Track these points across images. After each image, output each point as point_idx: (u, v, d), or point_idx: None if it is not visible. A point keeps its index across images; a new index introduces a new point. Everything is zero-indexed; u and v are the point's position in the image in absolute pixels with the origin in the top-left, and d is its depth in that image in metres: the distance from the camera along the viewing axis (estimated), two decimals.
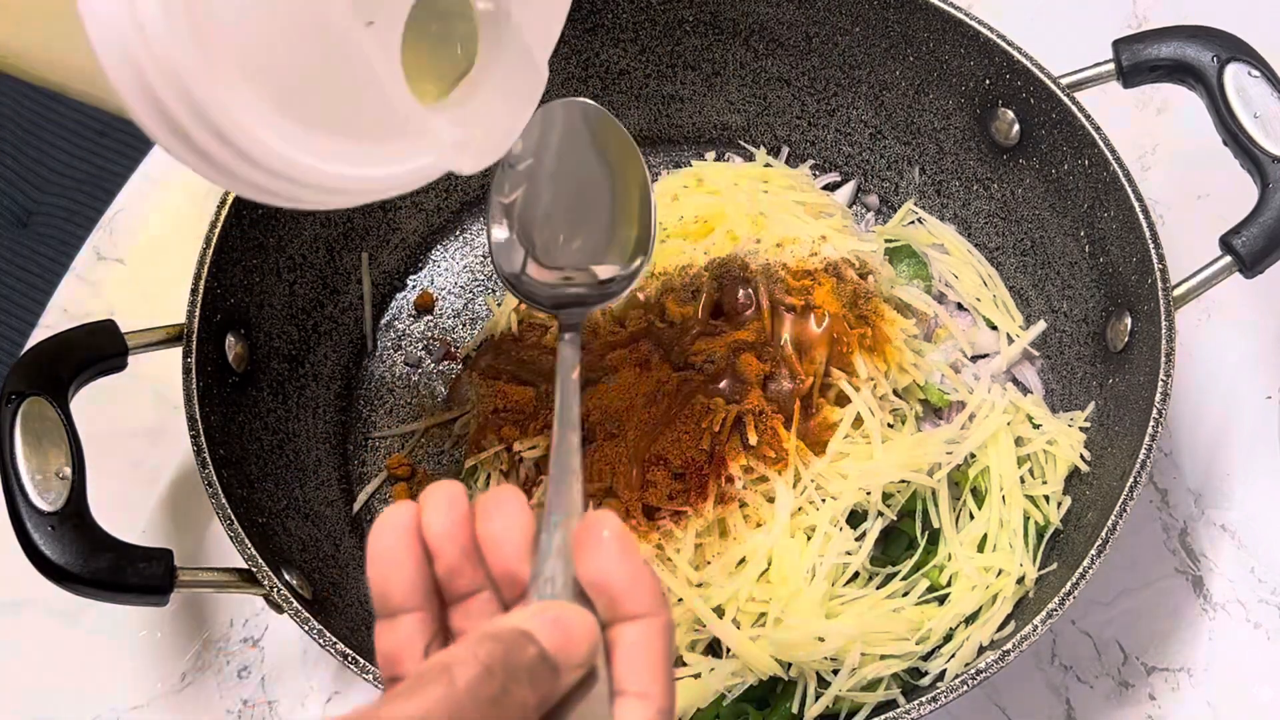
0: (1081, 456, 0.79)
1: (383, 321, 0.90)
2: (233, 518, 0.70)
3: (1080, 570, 0.68)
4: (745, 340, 0.78)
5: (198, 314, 0.75)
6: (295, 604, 0.68)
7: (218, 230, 0.77)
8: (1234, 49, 0.77)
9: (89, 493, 0.68)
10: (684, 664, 0.73)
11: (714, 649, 0.74)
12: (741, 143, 0.95)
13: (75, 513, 0.67)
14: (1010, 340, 0.85)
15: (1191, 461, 0.87)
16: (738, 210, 0.83)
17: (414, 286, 0.92)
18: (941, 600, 0.75)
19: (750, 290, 0.79)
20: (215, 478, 0.71)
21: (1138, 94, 0.86)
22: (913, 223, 0.91)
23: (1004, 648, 0.67)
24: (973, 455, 0.78)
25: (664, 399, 0.76)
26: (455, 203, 0.93)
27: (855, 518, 0.75)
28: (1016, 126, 0.83)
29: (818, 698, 0.72)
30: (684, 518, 0.74)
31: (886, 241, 0.86)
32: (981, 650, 0.74)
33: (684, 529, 0.73)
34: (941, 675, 0.73)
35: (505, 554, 0.45)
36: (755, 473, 0.74)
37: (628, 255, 0.68)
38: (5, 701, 0.82)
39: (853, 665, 0.71)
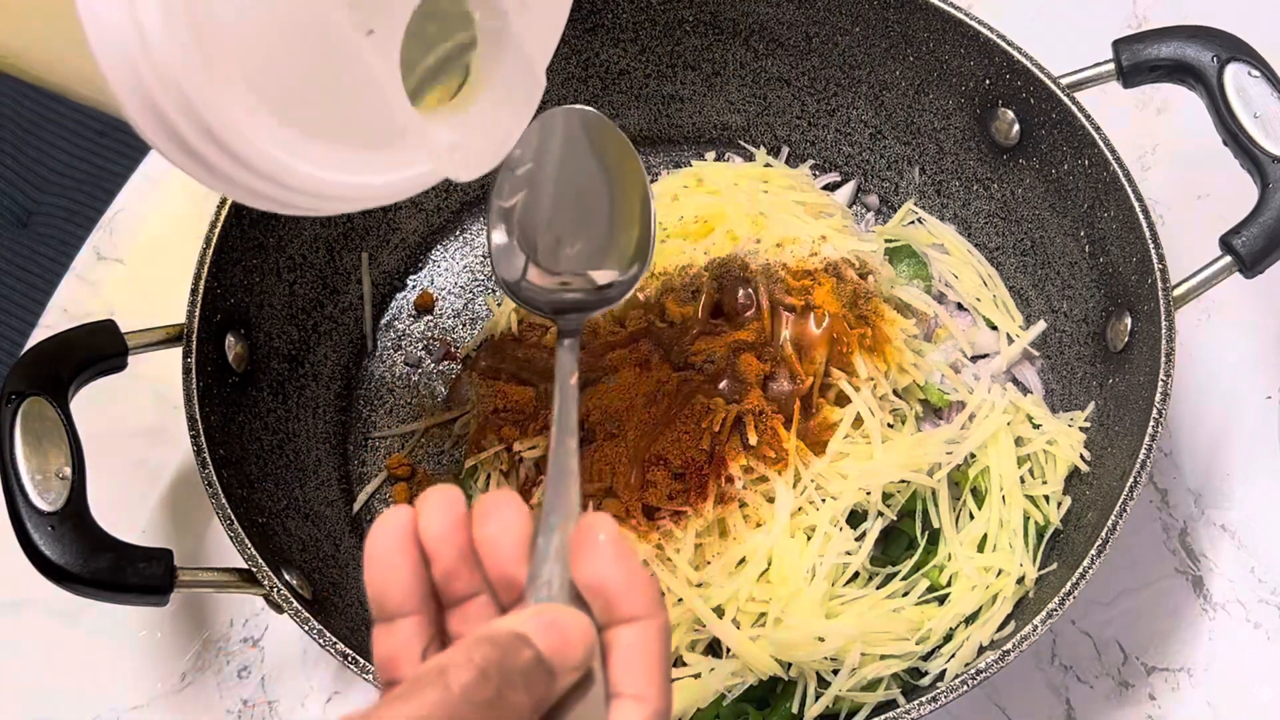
0: (1081, 456, 0.79)
1: (383, 321, 0.90)
2: (233, 518, 0.70)
3: (1080, 570, 0.68)
4: (745, 340, 0.78)
5: (198, 314, 0.75)
6: (295, 604, 0.68)
7: (218, 230, 0.77)
8: (1234, 49, 0.77)
9: (89, 493, 0.68)
10: (684, 664, 0.73)
11: (714, 649, 0.74)
12: (741, 143, 0.95)
13: (75, 513, 0.67)
14: (1010, 340, 0.85)
15: (1191, 461, 0.87)
16: (738, 210, 0.83)
17: (414, 286, 0.92)
18: (941, 600, 0.75)
19: (750, 290, 0.79)
20: (215, 478, 0.71)
21: (1138, 94, 0.86)
22: (913, 223, 0.91)
23: (1004, 648, 0.67)
24: (973, 455, 0.78)
25: (664, 399, 0.76)
26: (455, 203, 0.93)
27: (855, 518, 0.75)
28: (1016, 126, 0.83)
29: (818, 698, 0.72)
30: (684, 518, 0.74)
31: (886, 241, 0.86)
32: (981, 650, 0.74)
33: (684, 529, 0.73)
34: (941, 675, 0.73)
35: (502, 557, 0.45)
36: (755, 473, 0.74)
37: (627, 261, 0.68)
38: (5, 701, 0.82)
39: (853, 665, 0.71)
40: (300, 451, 0.82)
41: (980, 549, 0.76)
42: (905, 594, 0.75)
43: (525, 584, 0.45)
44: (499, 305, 0.88)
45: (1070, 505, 0.79)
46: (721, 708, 0.73)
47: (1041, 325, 0.85)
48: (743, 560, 0.73)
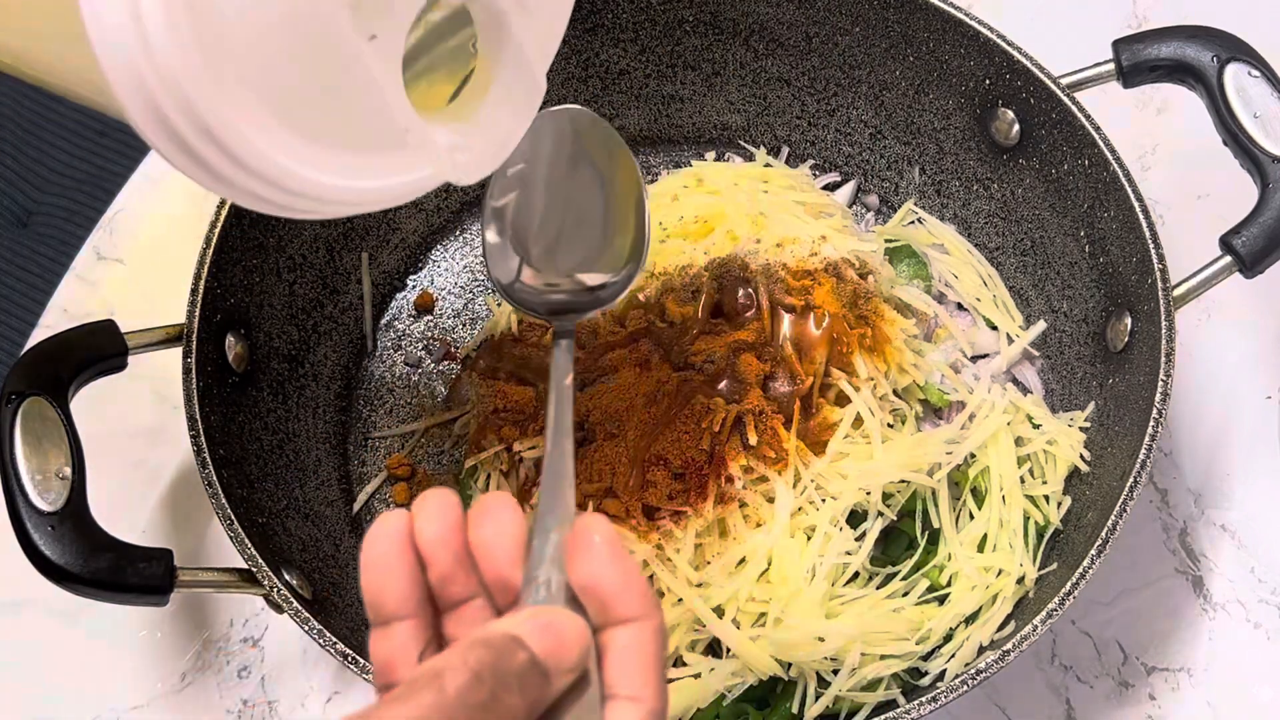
0: (1081, 456, 0.79)
1: (383, 321, 0.91)
2: (233, 518, 0.70)
3: (1080, 570, 0.68)
4: (745, 340, 0.78)
5: (198, 314, 0.75)
6: (295, 604, 0.68)
7: (218, 230, 0.77)
8: (1234, 49, 0.77)
9: (89, 493, 0.68)
10: (684, 664, 0.73)
11: (714, 649, 0.74)
12: (741, 143, 0.95)
13: (75, 513, 0.67)
14: (1010, 340, 0.85)
15: (1191, 461, 0.87)
16: (738, 210, 0.83)
17: (414, 286, 0.92)
18: (941, 600, 0.75)
19: (750, 290, 0.79)
20: (215, 478, 0.71)
21: (1138, 94, 0.86)
22: (913, 223, 0.91)
23: (1004, 648, 0.67)
24: (973, 455, 0.78)
25: (664, 399, 0.76)
26: (455, 203, 0.93)
27: (855, 518, 0.75)
28: (1016, 126, 0.83)
29: (818, 698, 0.72)
30: (684, 518, 0.74)
31: (886, 241, 0.86)
32: (981, 650, 0.74)
33: (684, 529, 0.73)
34: (941, 675, 0.73)
35: (498, 560, 0.45)
36: (755, 473, 0.74)
37: (621, 262, 0.68)
38: (5, 701, 0.82)
39: (853, 665, 0.71)
40: (300, 451, 0.82)
41: (980, 549, 0.76)
42: (905, 594, 0.75)
43: (521, 586, 0.45)
44: (499, 305, 0.88)
45: (1070, 505, 0.79)
46: (721, 708, 0.73)
47: (1041, 325, 0.85)
48: (743, 560, 0.73)
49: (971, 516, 0.77)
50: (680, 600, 0.72)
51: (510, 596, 0.46)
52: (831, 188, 0.93)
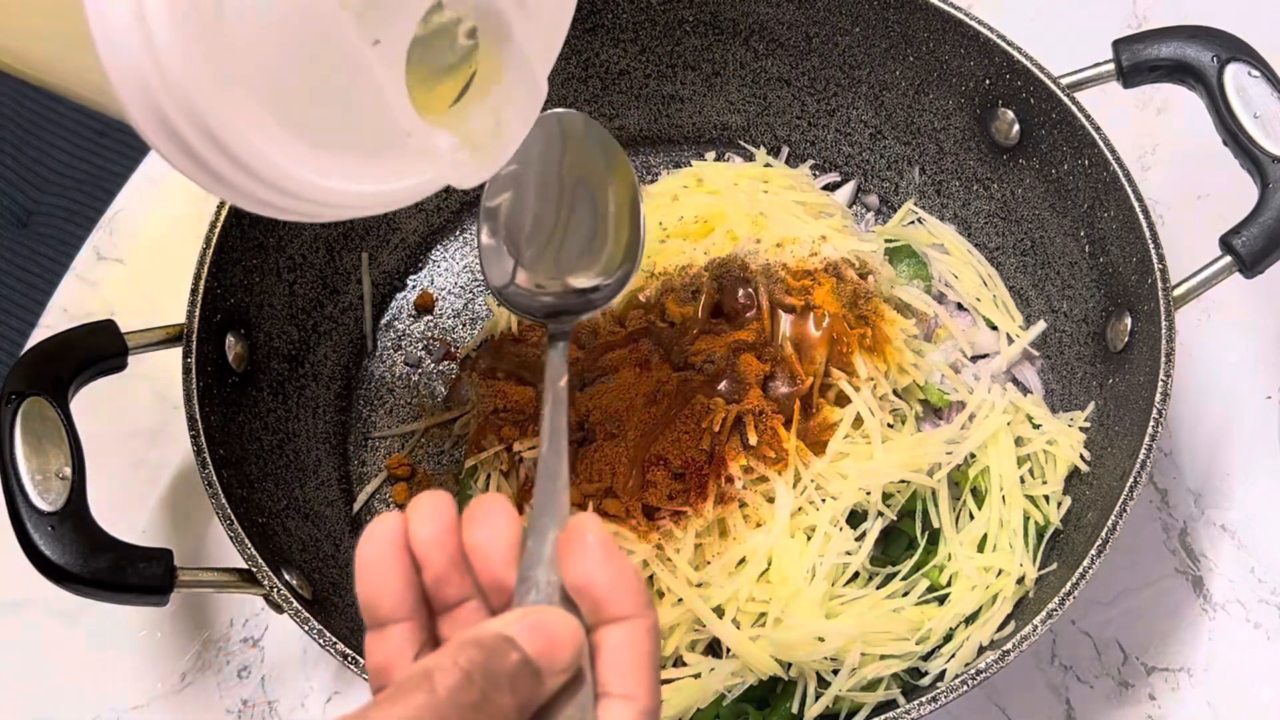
0: (1081, 456, 0.79)
1: (383, 321, 0.91)
2: (233, 518, 0.70)
3: (1080, 570, 0.68)
4: (745, 340, 0.78)
5: (198, 314, 0.75)
6: (295, 604, 0.68)
7: (218, 230, 0.77)
8: (1234, 49, 0.77)
9: (89, 493, 0.68)
10: (684, 664, 0.73)
11: (714, 649, 0.74)
12: (741, 143, 0.95)
13: (75, 513, 0.67)
14: (1010, 340, 0.85)
15: (1191, 461, 0.87)
16: (738, 210, 0.83)
17: (414, 286, 0.92)
18: (941, 600, 0.75)
19: (750, 290, 0.79)
20: (215, 478, 0.71)
21: (1138, 94, 0.86)
22: (913, 223, 0.91)
23: (1004, 648, 0.67)
24: (973, 455, 0.78)
25: (664, 399, 0.76)
26: (455, 203, 0.93)
27: (855, 518, 0.75)
28: (1016, 126, 0.83)
29: (818, 698, 0.72)
30: (684, 518, 0.74)
31: (886, 241, 0.86)
32: (981, 650, 0.74)
33: (684, 529, 0.73)
34: (941, 675, 0.73)
35: (492, 561, 0.45)
36: (755, 473, 0.74)
37: (616, 264, 0.68)
38: (5, 701, 0.82)
39: (853, 665, 0.71)
40: (300, 451, 0.82)
41: (980, 549, 0.76)
42: (905, 594, 0.75)
43: (514, 587, 0.45)
44: (499, 305, 0.88)
45: (1070, 505, 0.79)
46: (721, 708, 0.73)
47: (1041, 325, 0.85)
48: (743, 560, 0.73)
49: (971, 516, 0.77)
50: (680, 600, 0.72)
51: (505, 598, 0.46)
52: (831, 188, 0.93)
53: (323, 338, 0.86)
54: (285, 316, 0.83)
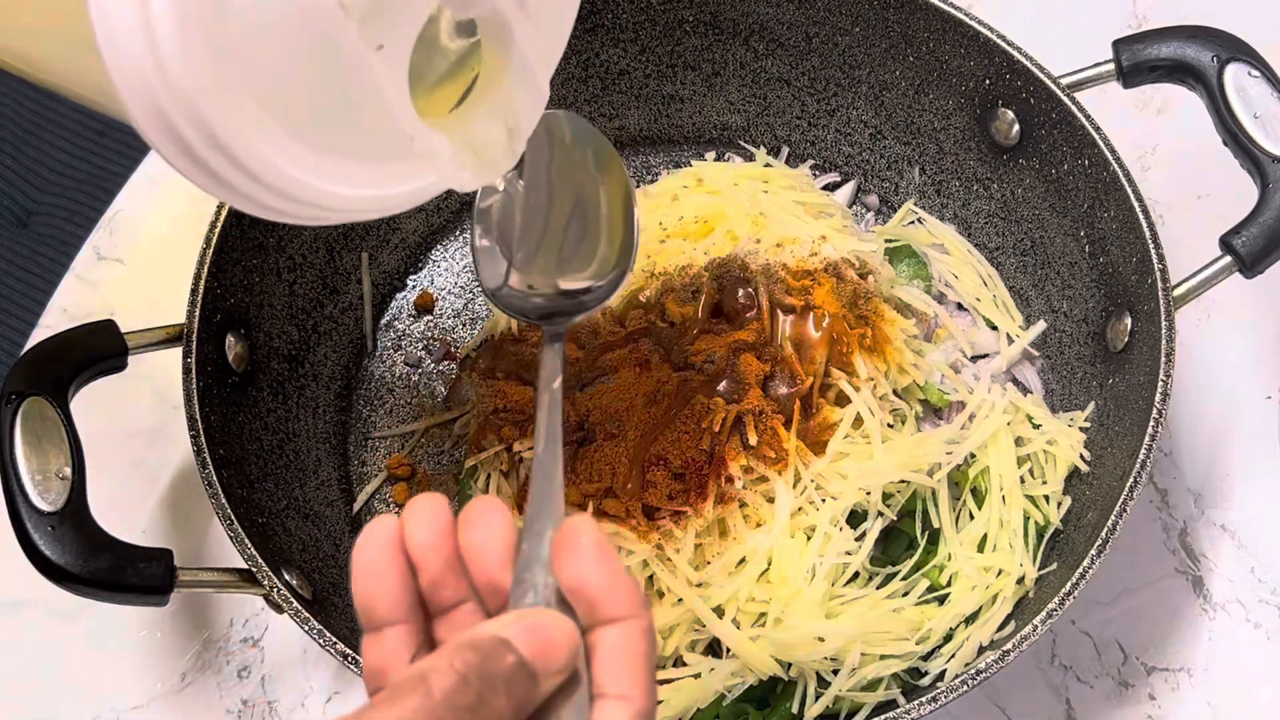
0: (1081, 456, 0.79)
1: (383, 321, 0.91)
2: (233, 518, 0.70)
3: (1080, 570, 0.68)
4: (745, 340, 0.78)
5: (198, 314, 0.75)
6: (295, 604, 0.68)
7: (218, 230, 0.77)
8: (1234, 49, 0.77)
9: (89, 493, 0.68)
10: (684, 664, 0.73)
11: (714, 649, 0.74)
12: (741, 143, 0.95)
13: (75, 513, 0.67)
14: (1010, 340, 0.85)
15: (1191, 461, 0.87)
16: (738, 210, 0.83)
17: (414, 286, 0.92)
18: (941, 600, 0.75)
19: (750, 290, 0.79)
20: (215, 478, 0.71)
21: (1138, 94, 0.86)
22: (913, 223, 0.91)
23: (1004, 648, 0.67)
24: (973, 455, 0.78)
25: (664, 399, 0.76)
26: (455, 203, 0.93)
27: (855, 518, 0.75)
28: (1016, 126, 0.83)
29: (818, 698, 0.72)
30: (684, 518, 0.74)
31: (886, 241, 0.86)
32: (981, 650, 0.74)
33: (684, 529, 0.73)
34: (941, 675, 0.73)
35: (488, 564, 0.45)
36: (755, 473, 0.74)
37: (609, 266, 0.68)
38: (5, 701, 0.82)
39: (853, 665, 0.71)
40: (300, 451, 0.82)
41: (980, 549, 0.76)
42: (905, 594, 0.75)
43: (510, 589, 0.45)
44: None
45: (1070, 505, 0.79)
46: (721, 708, 0.73)
47: (1041, 325, 0.85)
48: (743, 560, 0.73)
49: (971, 516, 0.77)
50: (680, 600, 0.72)
51: (501, 600, 0.46)
52: (831, 188, 0.93)
53: (323, 338, 0.86)
54: (285, 316, 0.83)
